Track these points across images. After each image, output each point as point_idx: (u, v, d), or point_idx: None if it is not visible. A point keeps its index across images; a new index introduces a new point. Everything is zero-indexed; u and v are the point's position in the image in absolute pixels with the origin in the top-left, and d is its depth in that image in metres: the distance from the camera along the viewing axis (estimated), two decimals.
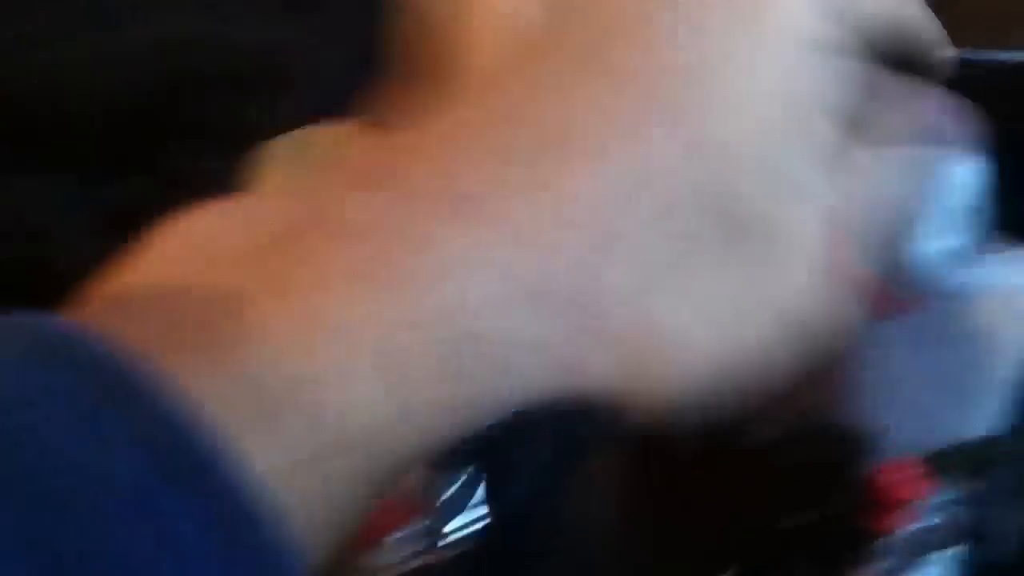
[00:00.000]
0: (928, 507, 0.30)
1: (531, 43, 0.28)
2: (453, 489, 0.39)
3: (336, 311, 0.25)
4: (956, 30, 0.51)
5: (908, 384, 0.34)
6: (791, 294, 0.28)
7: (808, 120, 0.28)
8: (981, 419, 0.35)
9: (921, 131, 0.32)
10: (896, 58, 0.32)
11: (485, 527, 0.39)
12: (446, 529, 0.39)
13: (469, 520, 0.39)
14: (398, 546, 0.38)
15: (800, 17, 0.28)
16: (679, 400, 0.27)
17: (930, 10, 0.33)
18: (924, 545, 0.33)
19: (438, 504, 0.39)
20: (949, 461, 0.33)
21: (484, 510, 0.40)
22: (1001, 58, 0.51)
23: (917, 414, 0.34)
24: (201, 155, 0.51)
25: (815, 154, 0.28)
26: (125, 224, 0.27)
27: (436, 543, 0.39)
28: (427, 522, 0.38)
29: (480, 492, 0.40)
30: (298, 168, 0.35)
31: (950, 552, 0.35)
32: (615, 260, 0.27)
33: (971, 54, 0.48)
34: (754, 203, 0.27)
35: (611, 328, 0.27)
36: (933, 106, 0.34)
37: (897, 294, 0.33)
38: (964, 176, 0.33)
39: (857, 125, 0.30)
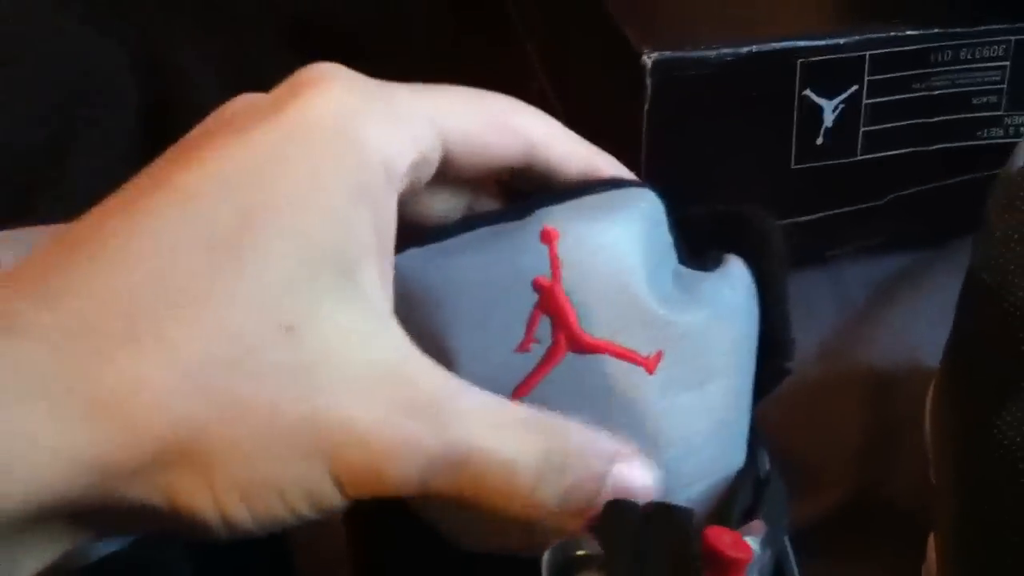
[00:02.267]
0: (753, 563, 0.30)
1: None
2: None
3: None
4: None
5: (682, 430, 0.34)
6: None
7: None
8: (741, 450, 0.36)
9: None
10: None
11: None
12: None
13: None
14: None
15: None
16: (245, 515, 0.28)
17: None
18: None
19: None
20: (732, 513, 0.34)
21: None
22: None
23: (693, 458, 0.34)
24: None
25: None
26: None
27: None
28: None
29: None
30: None
31: None
32: (148, 358, 0.27)
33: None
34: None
35: (140, 423, 0.27)
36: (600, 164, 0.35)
37: (639, 348, 0.33)
38: (652, 212, 0.34)
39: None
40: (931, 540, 0.45)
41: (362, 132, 0.29)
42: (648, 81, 0.52)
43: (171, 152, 0.30)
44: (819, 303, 0.58)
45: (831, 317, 0.58)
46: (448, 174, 0.32)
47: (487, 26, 0.70)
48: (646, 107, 0.52)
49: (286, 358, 0.28)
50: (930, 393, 0.48)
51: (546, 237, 0.32)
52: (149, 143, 0.60)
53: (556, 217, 0.33)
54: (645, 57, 0.52)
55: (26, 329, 0.27)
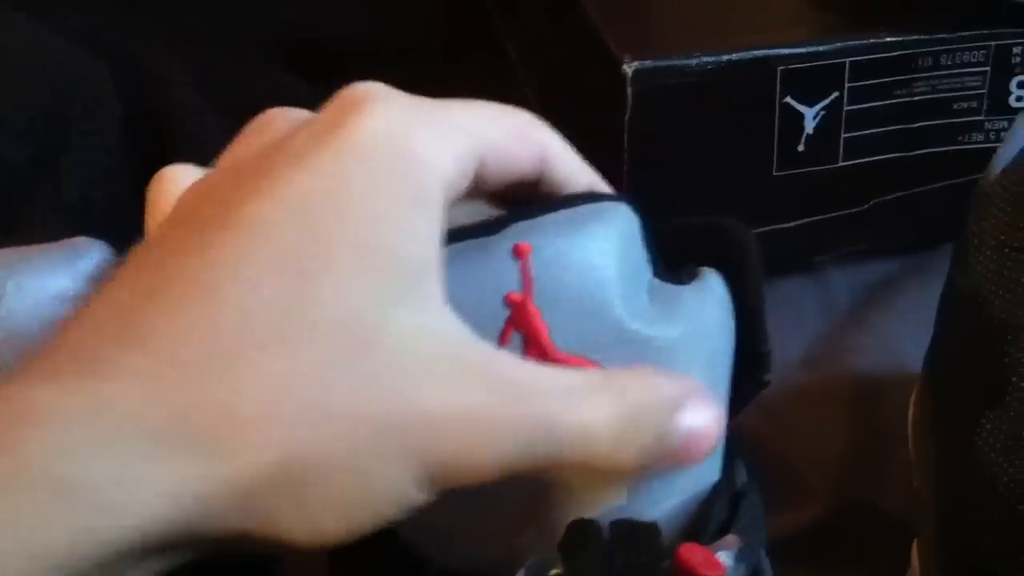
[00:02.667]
0: None
1: (177, 214, 0.31)
2: None
3: None
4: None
5: None
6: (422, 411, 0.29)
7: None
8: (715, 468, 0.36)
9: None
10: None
11: None
12: None
13: None
14: None
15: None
16: (339, 527, 0.29)
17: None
18: None
19: None
20: (709, 527, 0.34)
21: None
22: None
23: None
24: None
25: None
26: None
27: None
28: None
29: None
30: None
31: None
32: (242, 389, 0.28)
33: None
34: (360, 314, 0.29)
35: (237, 457, 0.28)
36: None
37: (612, 364, 0.33)
38: (626, 227, 0.34)
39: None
40: (915, 547, 0.45)
41: (414, 147, 0.31)
42: (629, 90, 0.52)
43: (224, 181, 0.31)
44: (805, 309, 0.59)
45: (817, 323, 0.58)
46: (478, 185, 0.33)
47: (472, 35, 0.70)
48: (627, 116, 0.52)
49: (364, 368, 0.29)
50: (913, 400, 0.48)
51: (519, 252, 0.33)
52: (137, 155, 0.60)
53: (529, 232, 0.33)
54: (625, 66, 0.52)
55: (117, 373, 0.28)
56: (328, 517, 0.29)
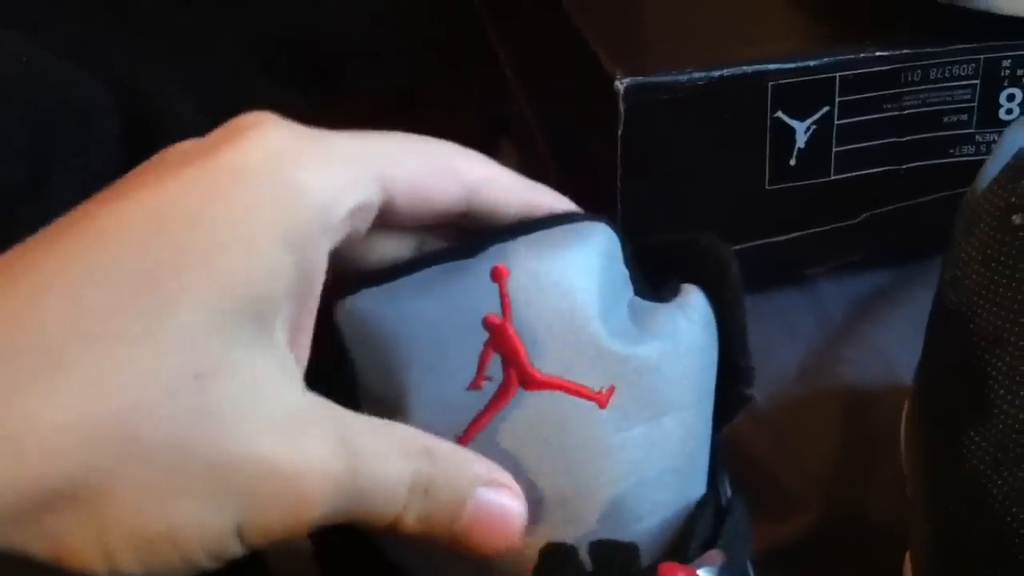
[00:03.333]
0: None
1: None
2: None
3: None
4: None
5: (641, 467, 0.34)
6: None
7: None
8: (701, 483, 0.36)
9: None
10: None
11: None
12: None
13: None
14: None
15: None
16: (134, 559, 0.28)
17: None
18: None
19: None
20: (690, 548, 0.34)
21: None
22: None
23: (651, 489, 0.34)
24: None
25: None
26: None
27: None
28: None
29: None
30: None
31: None
32: (52, 393, 0.27)
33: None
34: None
35: (29, 465, 0.27)
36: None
37: (592, 383, 0.33)
38: (605, 246, 0.34)
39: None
40: (907, 558, 0.45)
41: (297, 177, 0.29)
42: (621, 106, 0.52)
43: (105, 191, 0.30)
44: (798, 321, 0.59)
45: (810, 335, 0.58)
46: (392, 219, 0.32)
47: (467, 49, 0.71)
48: (620, 131, 0.53)
49: (194, 404, 0.28)
50: (904, 411, 0.48)
51: (497, 275, 0.33)
52: (128, 171, 0.60)
53: (507, 254, 0.33)
54: (618, 82, 0.52)
55: None
56: (123, 546, 0.27)
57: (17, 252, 0.29)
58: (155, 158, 0.31)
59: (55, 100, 0.58)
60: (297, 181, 0.29)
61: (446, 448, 0.31)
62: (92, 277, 0.28)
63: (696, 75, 0.53)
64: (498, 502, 0.31)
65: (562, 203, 0.35)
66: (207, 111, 0.63)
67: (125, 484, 0.27)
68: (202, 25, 0.69)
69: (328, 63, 0.69)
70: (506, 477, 0.32)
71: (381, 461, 0.30)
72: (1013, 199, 0.39)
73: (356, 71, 0.69)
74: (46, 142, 0.58)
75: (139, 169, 0.30)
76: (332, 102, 0.67)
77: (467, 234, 0.34)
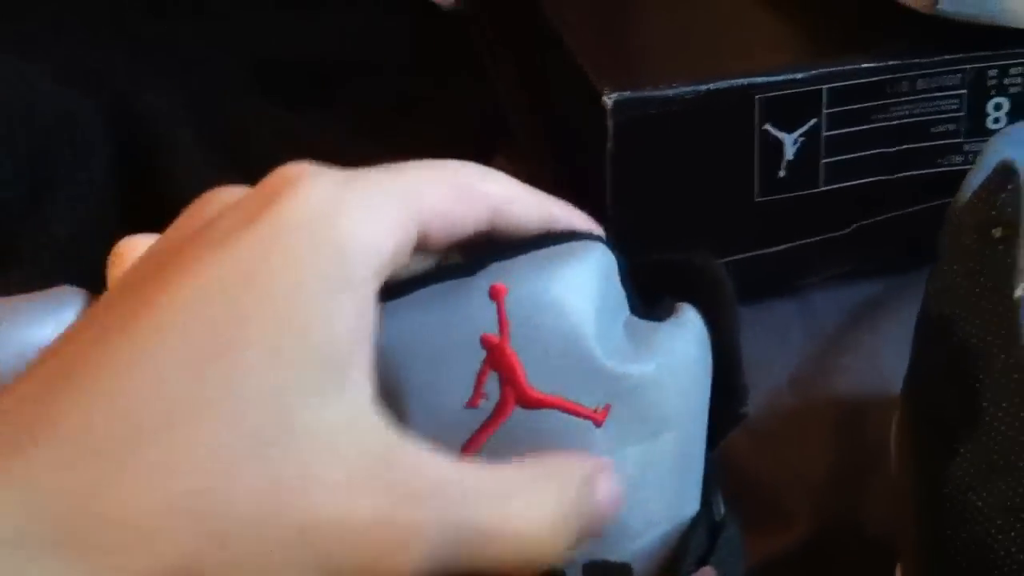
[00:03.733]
0: None
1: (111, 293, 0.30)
2: None
3: None
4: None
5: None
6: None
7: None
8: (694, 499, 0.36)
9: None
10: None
11: None
12: None
13: None
14: None
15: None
16: None
17: None
18: None
19: None
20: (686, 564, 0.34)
21: None
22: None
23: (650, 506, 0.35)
24: None
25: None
26: None
27: None
28: None
29: None
30: None
31: None
32: (137, 486, 0.27)
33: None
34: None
35: (128, 565, 0.27)
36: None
37: (588, 402, 0.33)
38: (602, 265, 0.34)
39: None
40: (899, 569, 0.45)
41: (343, 228, 0.30)
42: (610, 122, 0.52)
43: (148, 264, 0.30)
44: (790, 332, 0.59)
45: (802, 345, 0.58)
46: (425, 246, 0.33)
47: (458, 64, 0.71)
48: (609, 146, 0.53)
49: (268, 471, 0.27)
50: (895, 421, 0.48)
51: (495, 293, 0.33)
52: (126, 189, 0.61)
53: (504, 273, 0.33)
54: (606, 98, 0.52)
55: (26, 464, 0.27)
56: None
57: (77, 348, 0.29)
58: (196, 219, 0.31)
59: (51, 120, 0.59)
60: (341, 233, 0.29)
61: (557, 466, 0.32)
62: (159, 366, 0.28)
63: (684, 89, 0.53)
64: (610, 486, 0.32)
65: (577, 216, 0.35)
66: (204, 128, 0.63)
67: (216, 564, 0.27)
68: (199, 44, 0.69)
69: (324, 80, 0.70)
70: (593, 461, 0.32)
71: (501, 504, 0.30)
72: (993, 212, 0.39)
73: (351, 87, 0.70)
74: (42, 161, 0.58)
75: (180, 232, 0.31)
76: (330, 118, 0.68)
77: (477, 248, 0.34)
